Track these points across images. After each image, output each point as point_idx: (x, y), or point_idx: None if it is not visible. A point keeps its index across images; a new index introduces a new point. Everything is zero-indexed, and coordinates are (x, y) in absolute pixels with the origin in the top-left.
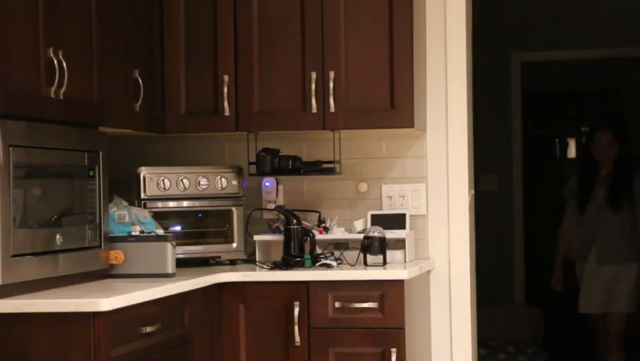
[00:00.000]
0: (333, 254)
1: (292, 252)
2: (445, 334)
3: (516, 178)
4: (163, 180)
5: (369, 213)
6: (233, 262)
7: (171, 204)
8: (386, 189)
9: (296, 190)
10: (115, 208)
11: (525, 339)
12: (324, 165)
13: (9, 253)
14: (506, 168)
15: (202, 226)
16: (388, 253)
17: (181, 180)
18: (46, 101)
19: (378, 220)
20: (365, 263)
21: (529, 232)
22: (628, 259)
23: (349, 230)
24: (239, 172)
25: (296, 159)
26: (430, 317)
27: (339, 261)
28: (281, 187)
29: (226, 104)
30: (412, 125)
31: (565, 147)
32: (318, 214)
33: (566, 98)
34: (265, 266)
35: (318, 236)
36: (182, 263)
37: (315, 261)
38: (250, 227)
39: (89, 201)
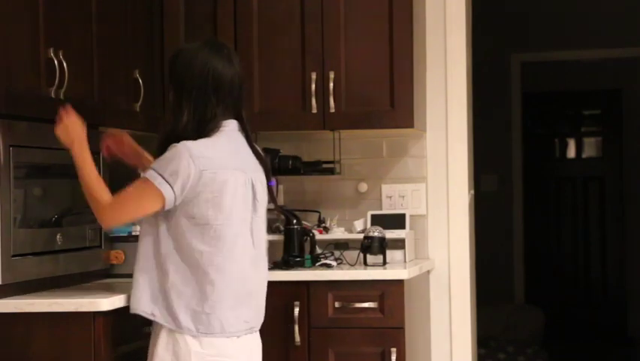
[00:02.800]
0: (333, 254)
1: (292, 252)
2: (444, 334)
3: (516, 178)
4: None
5: (369, 213)
6: None
7: None
8: (386, 189)
9: (296, 190)
10: None
11: (525, 339)
12: (324, 165)
13: (9, 253)
14: (506, 168)
15: None
16: (388, 253)
17: None
18: (47, 101)
19: (378, 220)
20: (365, 263)
21: (529, 232)
22: None
23: (349, 230)
24: None
25: (296, 159)
26: (429, 316)
27: (339, 261)
28: (281, 187)
29: None
30: (412, 125)
31: (565, 147)
32: (318, 214)
33: (565, 98)
34: None
35: (318, 236)
36: None
37: (315, 261)
38: None
39: None
